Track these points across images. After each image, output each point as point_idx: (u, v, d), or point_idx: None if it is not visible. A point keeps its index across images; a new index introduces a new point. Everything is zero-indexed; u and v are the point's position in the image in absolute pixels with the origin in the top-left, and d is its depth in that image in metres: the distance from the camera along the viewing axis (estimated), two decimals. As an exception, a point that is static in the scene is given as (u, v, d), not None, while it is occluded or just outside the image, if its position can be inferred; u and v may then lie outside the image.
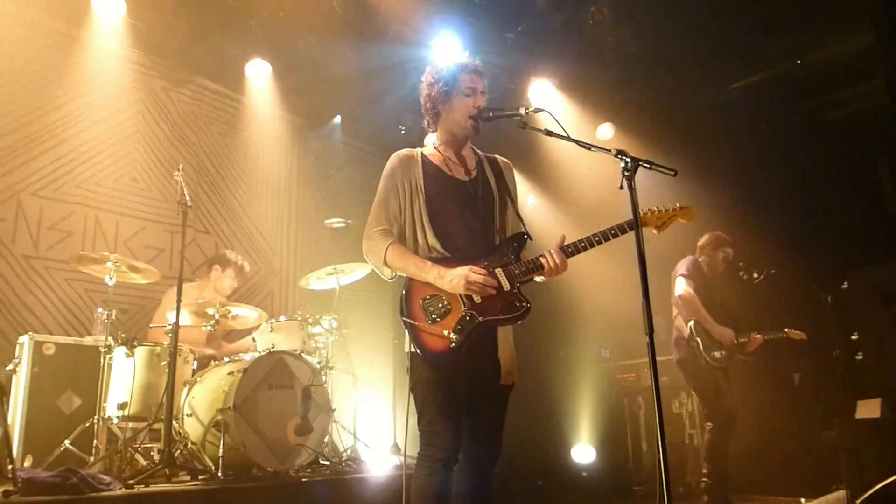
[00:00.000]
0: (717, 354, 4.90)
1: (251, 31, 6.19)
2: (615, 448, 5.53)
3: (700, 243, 5.35)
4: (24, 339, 4.61)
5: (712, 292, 5.14)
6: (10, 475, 3.30)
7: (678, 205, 2.81)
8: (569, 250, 2.65)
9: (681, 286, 5.03)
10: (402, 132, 7.34)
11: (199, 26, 6.14)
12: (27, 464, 4.28)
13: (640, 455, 5.55)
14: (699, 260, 5.27)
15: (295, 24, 6.06)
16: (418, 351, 2.53)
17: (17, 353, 4.63)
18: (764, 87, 6.71)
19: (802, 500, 5.08)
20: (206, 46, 6.44)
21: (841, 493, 4.40)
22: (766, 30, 6.09)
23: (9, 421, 3.82)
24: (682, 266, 5.15)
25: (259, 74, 6.85)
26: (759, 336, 5.01)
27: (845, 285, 4.99)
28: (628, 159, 2.37)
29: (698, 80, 6.82)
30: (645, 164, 2.38)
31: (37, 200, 5.61)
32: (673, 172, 2.39)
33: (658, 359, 2.21)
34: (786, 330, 5.13)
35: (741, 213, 6.28)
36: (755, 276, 4.99)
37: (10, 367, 4.56)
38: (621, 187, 2.37)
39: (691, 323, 4.96)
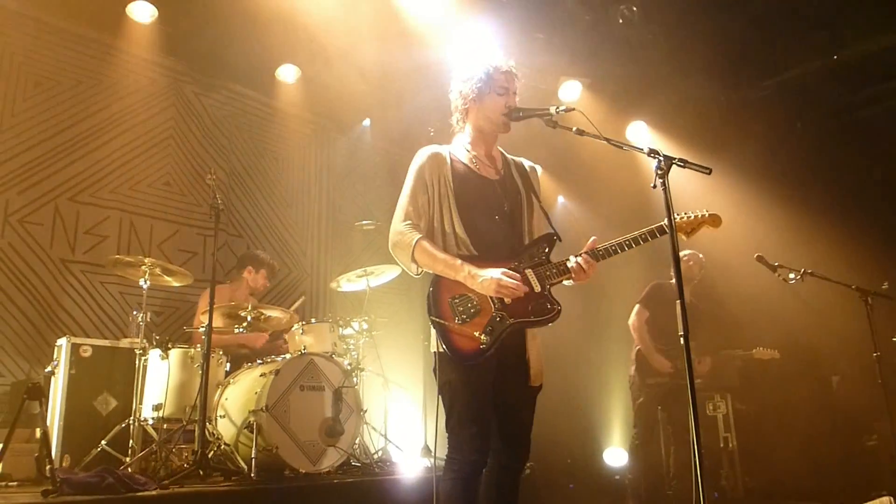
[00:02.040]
0: (650, 381, 5.37)
1: (280, 36, 6.23)
2: (648, 451, 5.47)
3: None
4: (62, 342, 4.70)
5: (675, 308, 5.18)
6: (48, 475, 3.36)
7: (707, 212, 2.76)
8: (599, 254, 2.62)
9: (632, 315, 5.53)
10: (431, 133, 7.33)
11: (230, 32, 6.21)
12: (65, 464, 4.36)
13: (673, 458, 5.48)
14: (664, 283, 5.53)
15: (324, 28, 6.09)
16: (447, 351, 2.50)
17: (55, 356, 4.73)
18: (799, 84, 6.57)
19: (842, 505, 4.96)
20: (236, 51, 6.51)
21: (885, 500, 4.28)
22: (802, 25, 5.96)
23: (47, 422, 3.90)
24: (644, 293, 5.55)
25: (289, 78, 6.91)
26: (707, 359, 5.36)
27: (885, 286, 4.87)
28: (661, 158, 2.33)
29: (732, 77, 6.70)
30: (679, 163, 2.34)
31: (73, 205, 5.72)
32: (707, 170, 2.35)
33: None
34: (756, 349, 5.49)
35: (777, 213, 6.16)
36: (791, 277, 4.89)
37: (49, 369, 4.65)
38: (654, 186, 2.34)
39: (635, 349, 5.51)
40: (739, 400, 5.97)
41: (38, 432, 4.16)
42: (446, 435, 2.55)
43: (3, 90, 5.49)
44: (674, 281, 5.45)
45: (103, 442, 4.37)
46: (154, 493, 3.55)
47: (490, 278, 2.49)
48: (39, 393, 3.62)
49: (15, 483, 3.94)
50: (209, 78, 6.83)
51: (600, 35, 6.30)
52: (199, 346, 4.68)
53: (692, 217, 2.76)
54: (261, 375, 4.48)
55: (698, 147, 6.59)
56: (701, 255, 5.49)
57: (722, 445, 5.85)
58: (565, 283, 2.64)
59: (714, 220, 2.77)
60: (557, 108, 2.65)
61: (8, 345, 5.21)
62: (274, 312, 5.06)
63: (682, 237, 2.70)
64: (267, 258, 5.93)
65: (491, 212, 2.70)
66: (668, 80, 6.68)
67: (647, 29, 6.19)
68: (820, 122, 6.55)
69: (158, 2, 5.85)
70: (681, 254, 5.45)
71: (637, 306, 5.53)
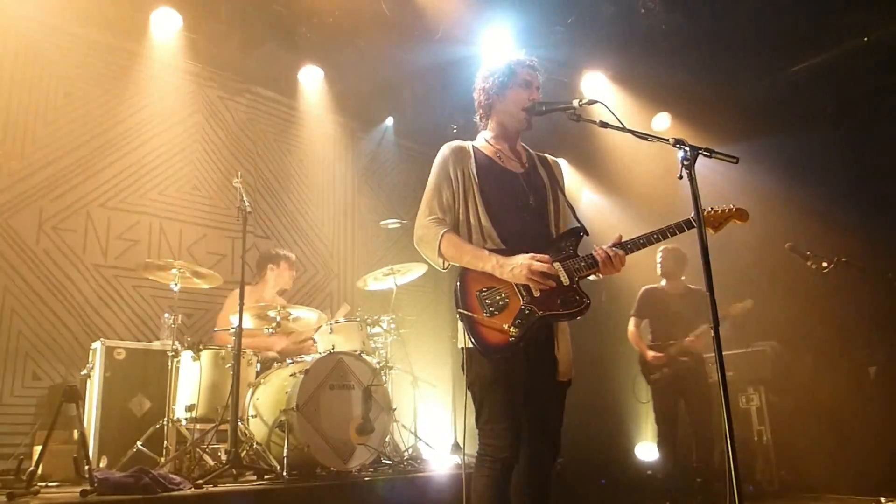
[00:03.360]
0: (654, 376, 5.43)
1: (302, 38, 6.28)
2: (681, 445, 5.41)
3: None
4: (97, 345, 4.79)
5: (668, 306, 5.50)
6: (87, 475, 3.43)
7: (734, 206, 2.73)
8: (627, 246, 2.60)
9: (629, 326, 5.65)
10: (454, 130, 7.34)
11: (253, 36, 6.27)
12: (102, 464, 4.45)
13: (696, 453, 5.42)
14: (653, 288, 5.63)
15: (345, 29, 6.12)
16: (476, 345, 2.47)
17: (90, 359, 4.83)
18: (830, 68, 6.42)
19: (882, 499, 4.85)
20: (259, 55, 6.58)
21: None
22: (831, 7, 5.83)
23: (84, 424, 3.98)
24: (636, 303, 5.68)
25: (312, 80, 6.97)
26: (690, 338, 5.28)
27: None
28: (687, 148, 2.30)
29: (759, 63, 6.57)
30: (705, 153, 2.30)
31: (105, 211, 5.82)
32: (735, 160, 2.31)
33: (724, 353, 2.14)
34: (731, 306, 5.28)
35: (809, 201, 6.05)
36: (824, 265, 4.80)
37: (85, 371, 4.75)
38: (681, 177, 2.31)
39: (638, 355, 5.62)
40: (773, 392, 5.88)
41: (75, 434, 4.23)
42: (476, 431, 2.54)
43: (36, 101, 5.61)
44: (664, 282, 5.60)
45: (138, 442, 4.44)
46: (189, 492, 3.60)
47: (519, 264, 2.48)
48: (76, 395, 3.70)
49: (55, 483, 4.04)
50: (234, 82, 6.91)
51: (623, 26, 6.24)
52: (229, 346, 4.73)
53: (719, 211, 2.73)
54: (291, 375, 4.52)
55: (725, 136, 6.49)
56: (675, 247, 5.47)
57: (756, 439, 5.77)
58: (592, 277, 2.62)
59: (741, 215, 2.73)
60: (580, 101, 2.63)
61: (45, 349, 5.33)
62: (302, 312, 5.10)
63: (709, 231, 2.66)
64: (280, 251, 5.97)
65: (516, 205, 2.69)
66: (693, 69, 6.59)
67: (670, 18, 6.11)
68: (852, 107, 6.40)
69: (182, 9, 5.94)
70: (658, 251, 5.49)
71: (631, 318, 5.64)
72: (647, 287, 5.67)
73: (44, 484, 3.87)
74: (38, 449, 3.96)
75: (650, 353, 5.40)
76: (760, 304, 5.38)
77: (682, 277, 5.53)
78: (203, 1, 5.92)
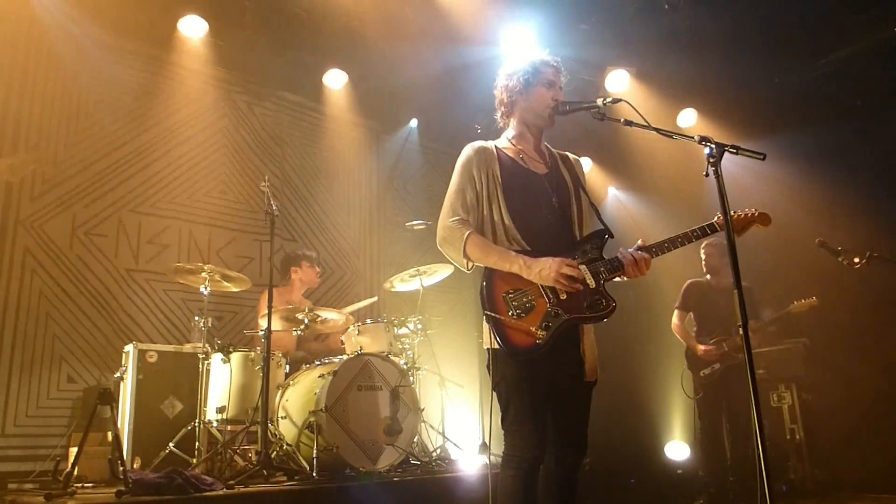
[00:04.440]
0: (705, 372, 5.36)
1: (327, 42, 6.34)
2: (711, 444, 5.36)
3: None
4: (129, 348, 4.88)
5: (715, 301, 5.45)
6: (121, 476, 3.50)
7: (756, 210, 2.71)
8: (652, 250, 2.59)
9: (673, 319, 5.65)
10: (478, 130, 7.33)
11: (277, 41, 6.34)
12: (136, 465, 4.53)
13: (730, 452, 5.36)
14: (698, 282, 5.62)
15: (368, 32, 6.16)
16: (502, 346, 2.48)
17: (123, 362, 4.92)
18: (858, 61, 6.30)
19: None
20: (284, 60, 6.65)
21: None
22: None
23: (118, 425, 4.06)
24: (680, 296, 5.65)
25: (336, 83, 7.02)
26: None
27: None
28: (713, 145, 2.28)
29: (785, 57, 6.47)
30: (731, 150, 2.28)
31: (135, 216, 5.93)
32: (761, 156, 2.28)
33: (753, 350, 2.12)
34: (794, 303, 5.27)
35: (838, 196, 5.96)
36: (856, 261, 4.72)
37: (118, 374, 4.85)
38: (707, 174, 2.29)
39: (685, 348, 5.59)
40: (805, 390, 5.79)
41: (109, 435, 4.32)
42: (503, 432, 2.55)
43: (67, 109, 5.74)
44: (709, 277, 5.57)
45: (171, 444, 4.52)
46: (221, 492, 3.65)
47: (549, 266, 2.47)
48: (110, 398, 3.78)
49: (90, 484, 4.12)
50: (259, 87, 7.00)
51: (646, 22, 6.19)
52: (259, 348, 4.79)
53: (742, 215, 2.72)
54: (319, 377, 4.56)
55: (752, 131, 6.41)
56: (720, 242, 5.42)
57: (788, 437, 5.68)
58: (617, 279, 2.61)
59: (764, 219, 2.73)
60: (605, 99, 2.62)
61: (79, 352, 5.44)
62: (330, 314, 5.15)
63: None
64: (302, 251, 6.02)
65: (540, 206, 2.68)
66: (718, 65, 6.51)
67: (695, 13, 6.05)
68: (881, 100, 6.28)
69: (208, 16, 6.02)
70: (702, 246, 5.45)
71: (676, 311, 5.62)
72: (692, 280, 5.65)
73: (80, 485, 3.95)
74: (73, 450, 4.05)
75: (702, 348, 5.35)
76: (790, 301, 5.31)
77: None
78: (229, 8, 6.00)
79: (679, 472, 6.17)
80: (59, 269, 5.46)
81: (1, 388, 5.06)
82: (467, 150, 2.77)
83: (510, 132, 2.86)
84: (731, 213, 2.66)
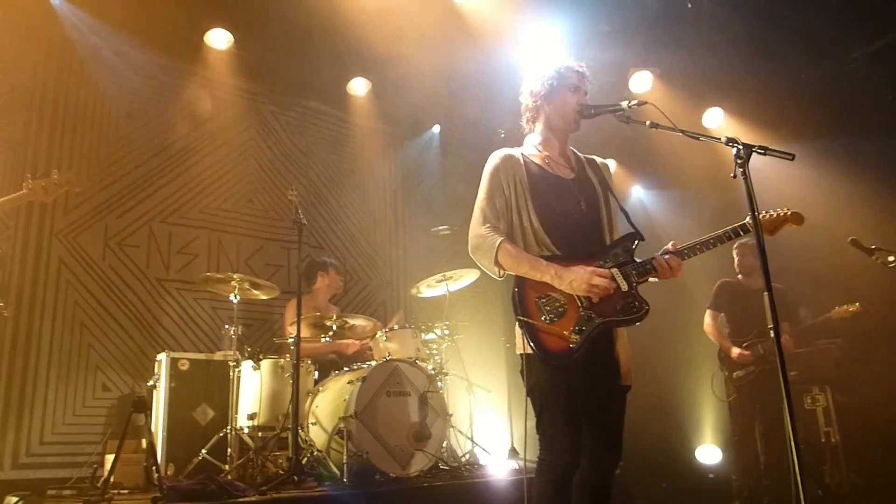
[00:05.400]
0: (739, 374, 5.31)
1: (349, 50, 6.39)
2: (740, 448, 5.29)
3: None
4: (162, 357, 4.96)
5: (748, 302, 5.34)
6: (157, 483, 3.56)
7: (788, 210, 2.68)
8: (683, 253, 2.58)
9: (705, 319, 5.59)
10: (502, 135, 7.35)
11: (301, 51, 6.43)
12: (170, 472, 4.59)
13: (763, 456, 5.28)
14: (730, 281, 5.57)
15: (390, 39, 6.20)
16: (536, 351, 2.47)
17: (155, 370, 5.00)
18: (890, 54, 6.17)
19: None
20: (308, 69, 6.74)
21: None
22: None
23: (152, 433, 4.13)
24: (712, 295, 5.59)
25: (359, 91, 7.09)
26: (784, 336, 5.14)
27: None
28: (740, 146, 2.26)
29: (814, 52, 6.35)
30: (759, 150, 2.26)
31: (166, 227, 6.03)
32: (790, 157, 2.26)
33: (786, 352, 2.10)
34: (835, 308, 5.25)
35: (872, 194, 5.85)
36: (890, 259, 4.64)
37: (151, 382, 4.92)
38: (734, 176, 2.27)
39: (717, 350, 5.53)
40: (840, 392, 5.69)
41: (143, 442, 4.39)
42: (537, 436, 2.54)
43: (99, 123, 5.86)
44: (740, 276, 5.50)
45: (203, 451, 4.58)
46: (253, 498, 3.70)
47: (581, 277, 2.47)
48: (144, 406, 3.85)
49: (126, 490, 4.18)
50: (284, 97, 7.08)
51: (669, 22, 6.15)
52: (288, 356, 4.84)
53: (774, 215, 2.70)
54: (348, 383, 4.59)
55: (781, 129, 6.33)
56: (746, 240, 5.35)
57: (824, 440, 5.58)
58: (650, 280, 2.60)
59: (797, 219, 2.69)
60: (629, 102, 2.62)
61: (113, 361, 5.54)
62: (357, 321, 5.19)
63: (765, 236, 2.62)
64: (324, 258, 6.07)
65: (569, 211, 2.68)
66: (744, 62, 6.43)
67: (719, 10, 5.99)
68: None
69: (234, 28, 6.12)
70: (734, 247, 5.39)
71: (708, 311, 5.56)
72: (723, 280, 5.59)
73: (116, 491, 4.01)
74: (109, 457, 4.12)
75: (736, 351, 5.28)
76: (824, 301, 5.24)
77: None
78: (253, 20, 6.08)
79: (710, 476, 6.10)
80: (92, 279, 5.57)
81: (39, 397, 5.16)
82: (494, 159, 2.78)
83: (535, 137, 2.86)
84: (763, 213, 2.64)
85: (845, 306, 5.16)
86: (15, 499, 4.07)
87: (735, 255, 5.52)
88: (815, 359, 5.76)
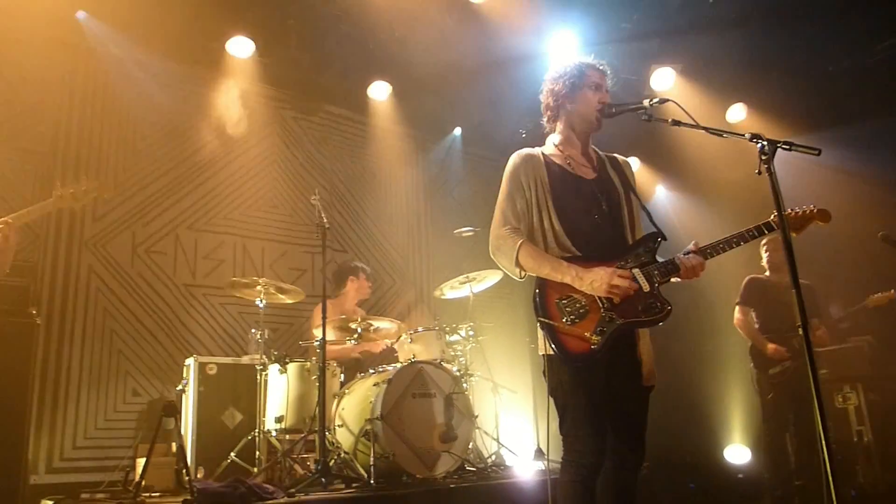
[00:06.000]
0: (775, 370, 5.15)
1: (370, 55, 6.43)
2: (773, 447, 5.22)
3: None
4: (190, 361, 5.03)
5: (778, 298, 5.22)
6: (187, 486, 3.60)
7: (815, 207, 2.67)
8: (707, 252, 2.57)
9: (735, 316, 5.46)
10: (523, 136, 7.34)
11: (322, 56, 6.47)
12: (200, 475, 4.65)
13: (794, 455, 5.19)
14: (758, 278, 5.46)
15: (410, 42, 6.23)
16: (557, 352, 2.47)
17: (184, 374, 5.07)
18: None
19: None
20: (329, 75, 6.79)
21: None
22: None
23: (182, 436, 4.18)
24: (741, 291, 5.48)
25: (380, 95, 7.12)
26: (821, 331, 5.04)
27: None
28: (765, 142, 2.24)
29: (839, 43, 6.23)
30: (784, 146, 2.24)
31: (192, 233, 6.11)
32: (816, 152, 2.23)
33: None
34: (869, 296, 5.16)
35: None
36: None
37: (180, 387, 4.99)
38: (759, 172, 2.24)
39: (749, 346, 5.38)
40: (872, 389, 5.59)
41: (173, 446, 4.45)
42: (560, 437, 2.54)
43: (125, 133, 5.96)
44: (768, 273, 5.42)
45: (232, 454, 4.63)
46: (282, 500, 3.73)
47: (601, 278, 2.46)
48: (174, 410, 3.90)
49: (157, 493, 4.24)
50: (306, 102, 7.15)
51: (690, 17, 6.08)
52: (314, 359, 4.88)
53: (800, 212, 2.68)
54: (374, 385, 4.62)
55: (805, 124, 6.24)
56: (775, 236, 5.28)
57: (856, 439, 5.49)
58: (673, 279, 2.58)
59: (823, 216, 2.67)
60: (651, 100, 2.61)
61: (143, 367, 5.62)
62: (382, 323, 5.21)
63: (791, 234, 2.59)
64: (357, 263, 6.13)
65: (590, 212, 2.67)
66: (767, 56, 6.35)
67: (740, 4, 5.91)
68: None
69: (255, 36, 6.18)
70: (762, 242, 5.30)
71: (738, 307, 5.44)
72: (752, 276, 5.50)
73: (147, 494, 4.07)
74: (140, 461, 4.18)
75: (772, 346, 5.15)
76: (853, 297, 5.16)
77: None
78: (274, 27, 6.14)
79: (740, 476, 6.02)
80: (121, 286, 5.66)
81: (71, 403, 5.26)
82: (514, 159, 2.78)
83: (556, 137, 2.85)
84: (789, 210, 2.61)
85: (880, 294, 5.07)
86: (50, 502, 4.16)
87: (763, 252, 5.43)
88: (846, 356, 5.67)
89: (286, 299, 5.28)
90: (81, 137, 5.75)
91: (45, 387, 5.16)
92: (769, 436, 5.27)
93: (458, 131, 8.12)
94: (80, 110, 5.80)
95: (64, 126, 5.68)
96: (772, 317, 5.27)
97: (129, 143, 5.97)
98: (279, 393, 4.84)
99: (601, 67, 2.80)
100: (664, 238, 2.63)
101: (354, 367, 5.43)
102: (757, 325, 5.37)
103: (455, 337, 5.48)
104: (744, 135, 2.33)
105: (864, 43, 6.31)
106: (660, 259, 2.59)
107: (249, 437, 4.71)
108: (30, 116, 5.52)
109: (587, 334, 2.46)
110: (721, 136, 2.48)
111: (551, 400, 2.57)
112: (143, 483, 3.83)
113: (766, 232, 2.56)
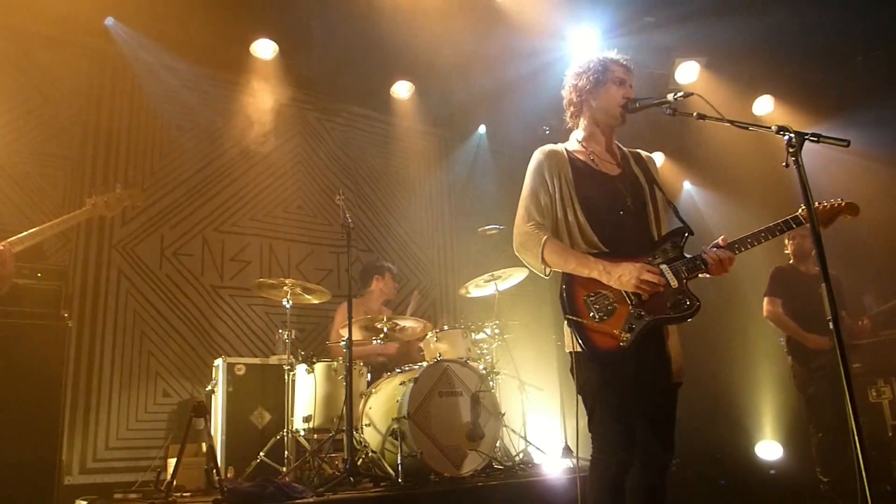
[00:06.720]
0: (817, 363, 4.96)
1: (392, 54, 6.44)
2: (806, 443, 5.13)
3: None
4: (219, 362, 5.09)
5: (807, 288, 5.04)
6: (217, 485, 3.65)
7: (843, 200, 2.64)
8: (735, 247, 2.53)
9: (764, 308, 5.29)
10: (547, 132, 7.31)
11: (344, 57, 6.50)
12: (229, 475, 4.70)
13: (815, 449, 5.07)
14: (783, 267, 5.34)
15: (432, 41, 6.22)
16: (586, 350, 2.45)
17: (213, 375, 5.13)
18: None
19: None
20: (352, 75, 6.81)
21: None
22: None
23: (212, 436, 4.23)
24: (768, 282, 5.32)
25: (403, 94, 7.14)
26: (866, 321, 4.96)
27: None
28: (792, 135, 2.20)
29: (866, 33, 6.10)
30: (812, 138, 2.20)
31: (218, 235, 6.18)
32: (845, 143, 2.19)
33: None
34: None
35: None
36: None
37: (209, 388, 5.05)
38: (786, 165, 2.21)
39: (784, 339, 5.21)
40: (907, 384, 5.48)
41: (203, 446, 4.51)
42: (589, 435, 2.52)
43: (152, 137, 6.05)
44: (793, 262, 5.30)
45: (261, 453, 4.68)
46: (311, 500, 3.76)
47: (630, 272, 2.44)
48: (204, 410, 3.95)
49: (188, 493, 4.29)
50: (329, 103, 7.19)
51: (714, 8, 6.00)
52: (340, 358, 4.90)
53: (828, 206, 2.65)
54: (400, 384, 4.63)
55: (834, 115, 6.12)
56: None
57: (891, 434, 5.38)
58: (701, 275, 2.56)
59: (852, 209, 2.64)
60: (675, 94, 2.57)
61: (173, 368, 5.70)
62: (408, 322, 5.23)
63: (819, 227, 2.55)
64: (384, 263, 6.16)
65: (615, 208, 2.64)
66: (794, 46, 6.23)
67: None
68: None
69: (278, 38, 6.24)
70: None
71: (766, 298, 5.29)
72: (778, 266, 5.38)
73: (179, 494, 4.12)
74: (171, 461, 4.23)
75: (813, 337, 4.99)
76: (886, 288, 5.06)
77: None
78: (297, 29, 6.19)
79: (772, 472, 5.94)
80: (150, 288, 5.74)
81: (103, 404, 5.35)
82: (538, 155, 2.76)
83: (580, 133, 2.83)
84: (817, 204, 2.58)
85: None
86: (84, 503, 4.23)
87: (788, 241, 5.31)
88: (880, 350, 5.54)
89: (312, 299, 5.31)
90: (110, 142, 5.84)
91: (77, 389, 5.25)
92: (820, 431, 4.96)
93: (482, 129, 8.11)
94: (108, 115, 5.89)
95: (92, 131, 5.78)
96: (800, 307, 5.13)
97: (156, 147, 6.05)
98: (307, 393, 4.88)
99: (625, 62, 2.77)
100: (691, 233, 2.60)
101: (381, 367, 5.46)
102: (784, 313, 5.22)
103: (481, 335, 5.48)
104: (770, 127, 2.30)
105: (893, 32, 6.16)
106: (687, 255, 2.56)
107: (278, 437, 4.75)
108: (59, 122, 5.62)
109: (616, 331, 2.43)
110: (747, 129, 2.44)
111: (579, 397, 2.56)
112: (175, 483, 3.88)
113: (795, 226, 2.53)
